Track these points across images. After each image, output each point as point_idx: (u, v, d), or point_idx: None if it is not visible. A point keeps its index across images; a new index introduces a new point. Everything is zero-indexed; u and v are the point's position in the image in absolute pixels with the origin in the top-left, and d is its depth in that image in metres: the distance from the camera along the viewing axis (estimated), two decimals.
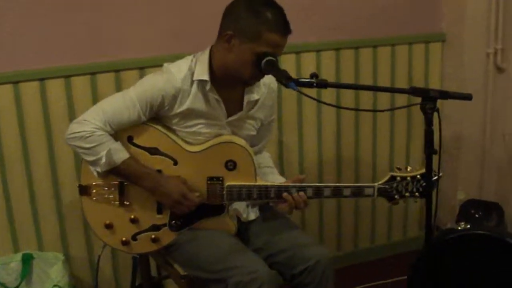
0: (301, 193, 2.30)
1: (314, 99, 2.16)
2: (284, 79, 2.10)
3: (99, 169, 2.28)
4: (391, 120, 3.60)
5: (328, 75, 3.24)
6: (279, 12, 2.21)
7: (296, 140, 3.38)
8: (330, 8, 3.28)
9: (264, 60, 2.16)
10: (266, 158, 2.63)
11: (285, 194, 2.30)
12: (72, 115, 2.85)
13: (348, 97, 3.40)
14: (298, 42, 3.02)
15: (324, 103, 2.18)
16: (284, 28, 2.20)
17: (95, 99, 2.87)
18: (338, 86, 2.40)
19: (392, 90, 2.81)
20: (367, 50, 3.42)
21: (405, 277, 2.90)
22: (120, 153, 2.26)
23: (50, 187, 2.92)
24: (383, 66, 3.48)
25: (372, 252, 3.78)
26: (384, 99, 3.48)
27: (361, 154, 3.58)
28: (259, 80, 2.32)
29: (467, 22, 3.49)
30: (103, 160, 2.24)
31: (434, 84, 3.62)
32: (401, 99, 3.48)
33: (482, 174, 3.79)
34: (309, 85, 2.10)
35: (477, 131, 3.70)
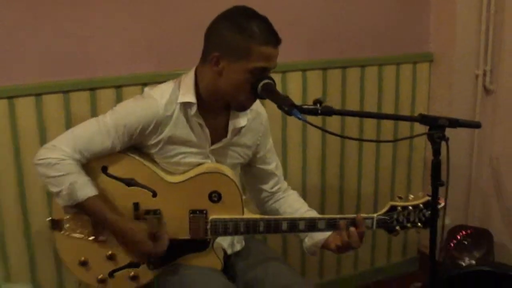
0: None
1: (321, 129, 1.96)
2: (286, 106, 1.93)
3: (61, 202, 2.08)
4: (376, 145, 3.53)
5: (314, 95, 3.16)
6: (265, 22, 2.04)
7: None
8: (317, 26, 3.19)
9: (261, 83, 2.00)
10: (299, 202, 2.49)
11: (342, 222, 2.15)
12: (43, 137, 2.68)
13: (334, 119, 3.25)
14: (284, 61, 2.87)
15: (332, 133, 1.99)
16: (273, 38, 2.03)
17: (68, 120, 2.72)
18: (344, 113, 2.24)
19: (399, 117, 2.69)
20: (355, 70, 3.34)
21: None
22: (86, 189, 2.06)
23: (20, 213, 2.73)
24: (371, 86, 3.41)
25: (355, 278, 3.67)
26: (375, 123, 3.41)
27: (346, 180, 3.48)
28: (253, 103, 2.15)
29: (456, 43, 3.43)
30: (64, 192, 2.05)
31: (421, 105, 3.58)
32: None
33: (467, 198, 3.73)
34: (314, 112, 1.95)
35: (464, 154, 3.63)
